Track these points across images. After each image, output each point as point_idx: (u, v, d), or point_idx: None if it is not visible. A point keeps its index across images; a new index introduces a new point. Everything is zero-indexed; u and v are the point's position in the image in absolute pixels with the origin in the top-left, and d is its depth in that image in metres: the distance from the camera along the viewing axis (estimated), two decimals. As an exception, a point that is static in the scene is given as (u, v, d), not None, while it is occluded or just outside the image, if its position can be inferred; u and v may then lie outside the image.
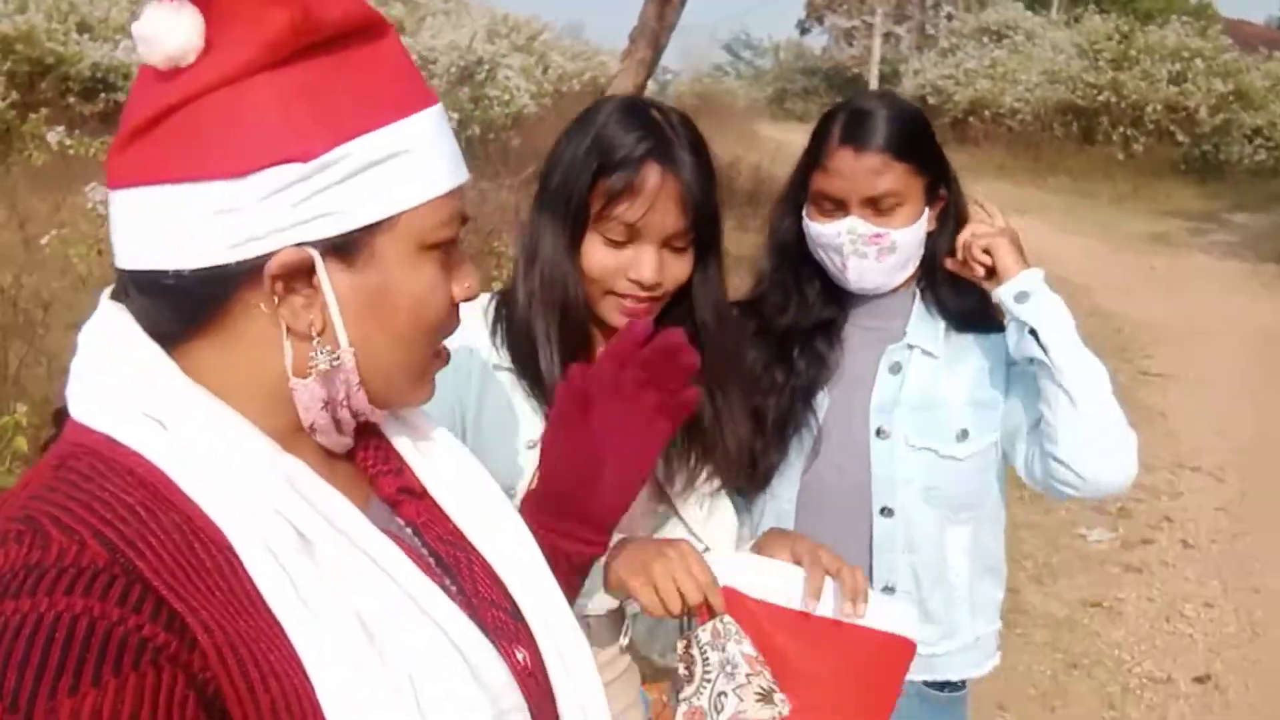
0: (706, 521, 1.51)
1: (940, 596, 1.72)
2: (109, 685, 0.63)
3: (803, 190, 1.69)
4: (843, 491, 1.69)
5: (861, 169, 1.59)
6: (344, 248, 0.78)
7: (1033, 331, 1.57)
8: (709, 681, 1.20)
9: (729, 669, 1.20)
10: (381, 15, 0.82)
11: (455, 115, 10.73)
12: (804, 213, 1.68)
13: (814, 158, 1.66)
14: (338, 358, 0.80)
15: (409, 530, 0.90)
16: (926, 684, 1.74)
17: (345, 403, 0.84)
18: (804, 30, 35.91)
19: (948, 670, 1.76)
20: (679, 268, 1.43)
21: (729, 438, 1.50)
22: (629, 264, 1.40)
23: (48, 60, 10.00)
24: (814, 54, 36.31)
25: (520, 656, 0.89)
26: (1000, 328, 1.70)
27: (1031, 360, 1.59)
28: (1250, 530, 4.92)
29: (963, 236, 1.65)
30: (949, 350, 1.71)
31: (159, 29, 0.75)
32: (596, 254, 1.41)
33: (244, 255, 0.76)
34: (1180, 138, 17.94)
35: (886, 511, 1.67)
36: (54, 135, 8.61)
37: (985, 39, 23.16)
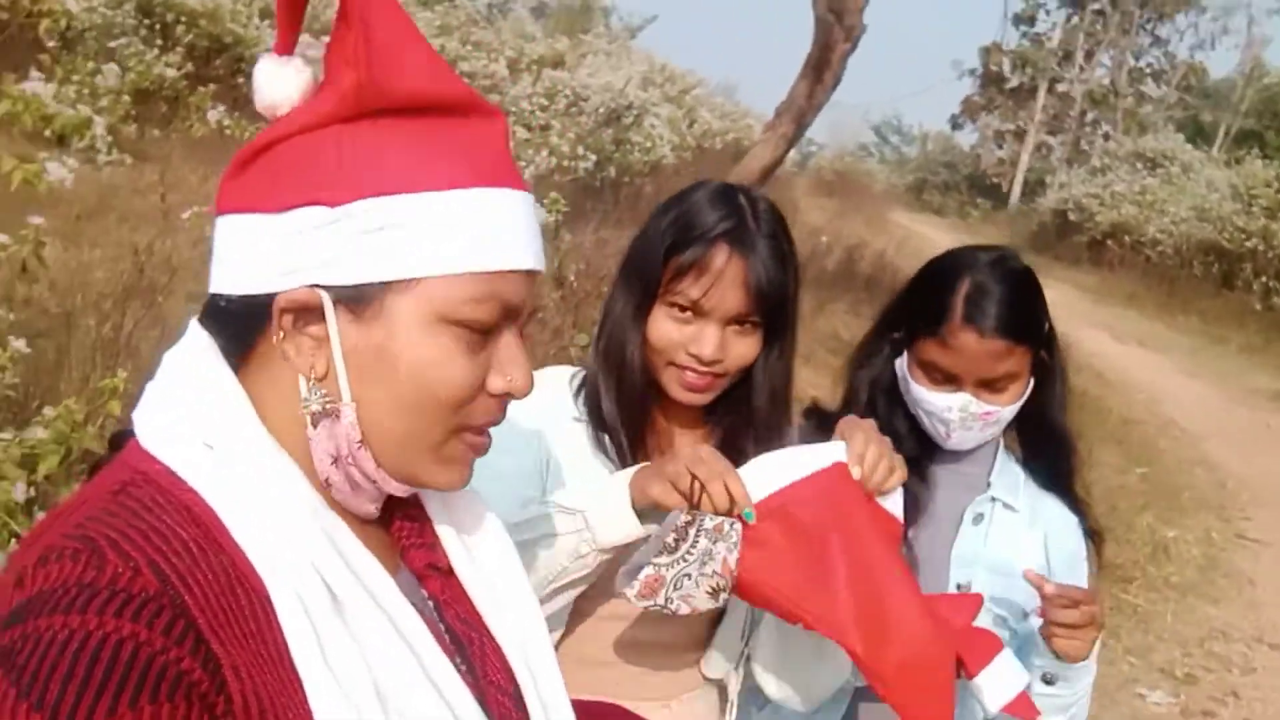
0: None
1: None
2: (144, 711, 0.65)
3: (905, 338, 1.69)
4: None
5: (984, 353, 1.58)
6: (355, 298, 0.81)
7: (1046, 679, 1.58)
8: (684, 562, 1.27)
9: (705, 561, 1.27)
10: (479, 99, 0.86)
11: (594, 155, 10.94)
12: (905, 367, 1.67)
13: (926, 325, 1.63)
14: (330, 402, 0.82)
15: (431, 604, 0.92)
16: None
17: (351, 461, 0.83)
18: (956, 125, 35.69)
19: None
20: (742, 348, 1.46)
21: None
22: (691, 339, 1.45)
23: (226, 39, 10.46)
24: (961, 150, 36.06)
25: None
26: (1073, 502, 1.74)
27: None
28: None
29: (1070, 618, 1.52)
30: (1027, 504, 1.73)
31: (263, 79, 0.86)
32: (662, 325, 1.47)
33: (270, 288, 0.81)
34: (1327, 297, 17.26)
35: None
36: (215, 113, 9.08)
37: (1139, 164, 22.70)
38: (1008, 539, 1.70)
